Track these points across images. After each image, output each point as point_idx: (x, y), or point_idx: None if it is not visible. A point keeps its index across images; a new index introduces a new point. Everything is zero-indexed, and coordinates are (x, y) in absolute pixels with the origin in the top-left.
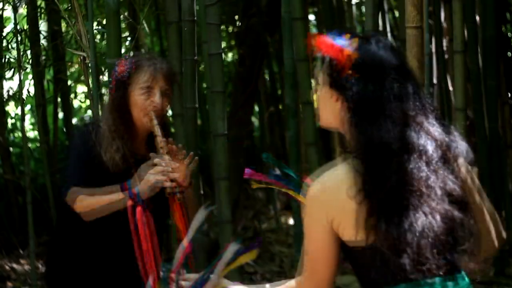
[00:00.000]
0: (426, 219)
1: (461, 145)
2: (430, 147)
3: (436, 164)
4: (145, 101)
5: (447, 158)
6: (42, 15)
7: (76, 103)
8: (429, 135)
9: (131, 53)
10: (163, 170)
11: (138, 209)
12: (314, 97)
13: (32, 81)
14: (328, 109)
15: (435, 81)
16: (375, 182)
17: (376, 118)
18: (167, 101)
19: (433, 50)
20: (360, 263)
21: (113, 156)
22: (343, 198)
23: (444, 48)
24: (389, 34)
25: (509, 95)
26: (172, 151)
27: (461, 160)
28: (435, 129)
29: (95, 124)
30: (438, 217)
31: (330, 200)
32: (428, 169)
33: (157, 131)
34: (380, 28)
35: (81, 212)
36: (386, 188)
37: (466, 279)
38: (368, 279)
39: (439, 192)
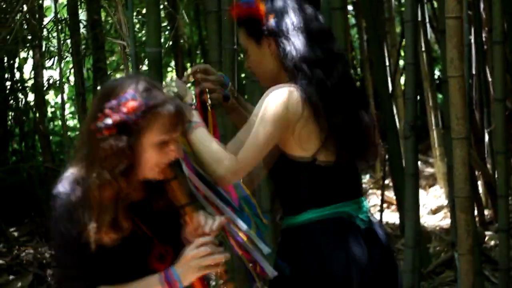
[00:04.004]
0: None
1: None
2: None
3: None
4: (161, 157)
5: None
6: (82, 4)
7: None
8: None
9: (135, 82)
10: (207, 254)
11: None
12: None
13: (72, 70)
14: (268, 61)
15: (474, 72)
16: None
17: (304, 38)
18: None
19: (472, 41)
20: (301, 178)
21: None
22: (300, 112)
23: (483, 39)
24: (427, 25)
25: None
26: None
27: None
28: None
29: (76, 180)
30: None
31: (294, 112)
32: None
33: (183, 198)
34: (419, 18)
35: None
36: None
37: None
38: (306, 197)
39: None
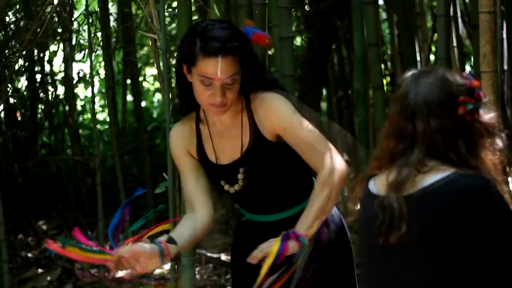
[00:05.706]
0: None
1: None
2: None
3: None
4: None
5: None
6: None
7: (144, 86)
8: None
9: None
10: None
11: None
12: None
13: (102, 63)
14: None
15: (505, 67)
16: None
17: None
18: None
19: (504, 36)
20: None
21: None
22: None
23: None
24: (459, 19)
25: None
26: None
27: None
28: None
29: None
30: None
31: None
32: None
33: None
34: (451, 13)
35: None
36: None
37: None
38: None
39: None
